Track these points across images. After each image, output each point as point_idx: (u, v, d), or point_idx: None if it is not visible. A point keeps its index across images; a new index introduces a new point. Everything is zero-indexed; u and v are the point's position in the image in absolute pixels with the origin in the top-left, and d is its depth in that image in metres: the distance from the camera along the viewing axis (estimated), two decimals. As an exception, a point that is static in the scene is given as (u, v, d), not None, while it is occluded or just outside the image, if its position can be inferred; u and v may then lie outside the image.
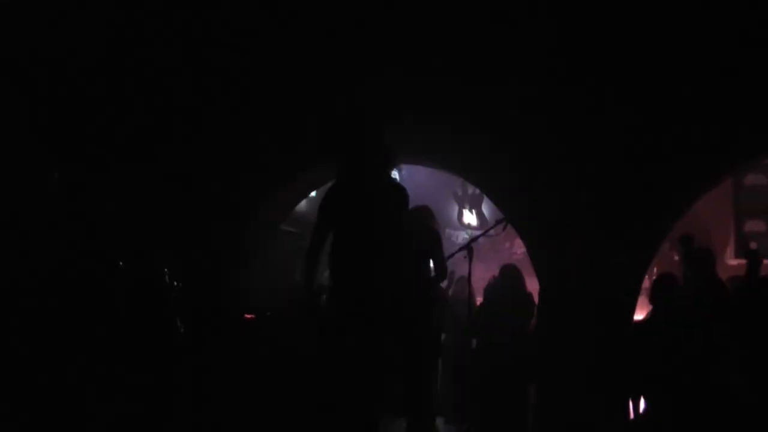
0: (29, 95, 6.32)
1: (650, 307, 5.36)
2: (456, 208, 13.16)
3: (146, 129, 6.52)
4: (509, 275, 6.61)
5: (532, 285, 6.52)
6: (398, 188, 4.61)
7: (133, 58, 6.58)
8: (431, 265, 5.62)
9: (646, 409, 5.18)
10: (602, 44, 5.77)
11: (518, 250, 10.59)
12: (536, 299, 6.31)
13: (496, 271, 7.04)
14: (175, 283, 5.20)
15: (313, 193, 8.82)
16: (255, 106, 6.58)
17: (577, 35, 5.83)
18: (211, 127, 6.61)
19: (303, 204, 8.60)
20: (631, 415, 5.36)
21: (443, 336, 8.45)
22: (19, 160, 5.75)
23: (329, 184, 4.70)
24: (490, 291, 7.04)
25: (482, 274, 7.29)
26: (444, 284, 6.37)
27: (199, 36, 6.59)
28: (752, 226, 8.82)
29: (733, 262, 8.61)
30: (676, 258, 6.02)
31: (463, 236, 12.03)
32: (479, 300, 7.16)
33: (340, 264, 4.43)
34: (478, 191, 12.07)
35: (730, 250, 8.76)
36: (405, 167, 12.56)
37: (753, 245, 8.58)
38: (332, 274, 4.53)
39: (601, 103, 5.72)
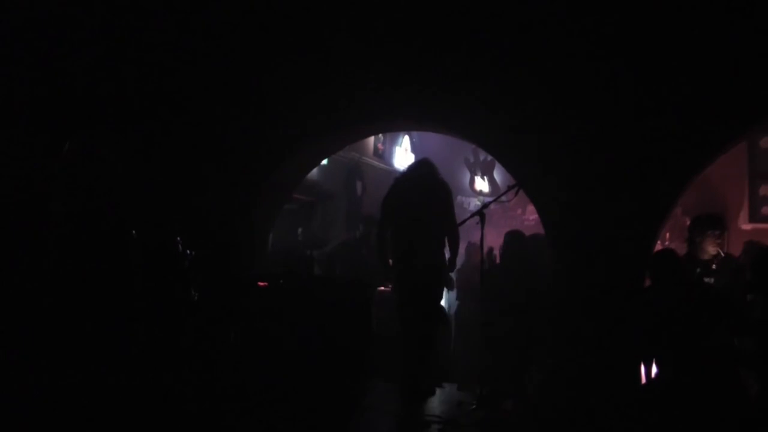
0: (29, 95, 6.33)
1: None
2: (468, 174, 13.16)
3: (146, 129, 6.56)
4: (510, 243, 6.66)
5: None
6: (443, 186, 6.00)
7: (132, 58, 6.63)
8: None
9: (657, 374, 5.20)
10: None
11: (530, 216, 10.60)
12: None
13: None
14: (189, 251, 5.22)
15: (324, 161, 8.85)
16: (254, 105, 6.63)
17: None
18: (211, 124, 6.69)
19: (315, 172, 8.62)
20: (643, 380, 5.39)
21: (457, 303, 8.58)
22: (19, 159, 5.78)
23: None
24: (492, 259, 7.13)
25: (494, 241, 7.32)
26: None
27: (199, 36, 6.63)
28: (767, 190, 8.71)
29: (747, 226, 8.56)
30: (689, 222, 5.97)
31: (474, 203, 12.05)
32: (492, 266, 7.21)
33: (400, 247, 5.95)
34: (490, 158, 12.06)
35: (743, 214, 8.69)
36: (416, 134, 12.53)
37: (766, 210, 8.56)
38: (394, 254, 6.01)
39: (611, 79, 5.68)
